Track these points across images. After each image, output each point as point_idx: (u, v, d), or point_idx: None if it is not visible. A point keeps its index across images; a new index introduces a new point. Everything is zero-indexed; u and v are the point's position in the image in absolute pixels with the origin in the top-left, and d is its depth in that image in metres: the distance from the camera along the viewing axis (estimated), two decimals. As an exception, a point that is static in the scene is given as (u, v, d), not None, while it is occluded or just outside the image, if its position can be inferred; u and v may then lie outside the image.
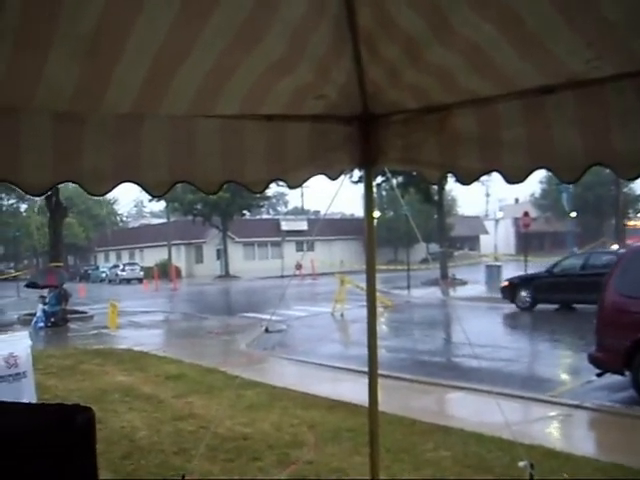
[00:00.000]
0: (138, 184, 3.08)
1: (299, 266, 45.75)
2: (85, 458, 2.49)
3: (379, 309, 23.35)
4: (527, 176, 3.05)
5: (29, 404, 5.89)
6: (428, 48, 2.67)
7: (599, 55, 2.47)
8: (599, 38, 2.36)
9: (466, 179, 3.32)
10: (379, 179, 38.66)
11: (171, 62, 2.47)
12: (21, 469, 2.31)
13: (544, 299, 23.62)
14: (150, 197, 3.17)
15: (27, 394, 9.31)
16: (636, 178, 2.80)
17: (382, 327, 20.94)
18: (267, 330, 19.61)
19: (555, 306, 23.36)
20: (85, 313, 27.85)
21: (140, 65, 2.43)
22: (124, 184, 3.09)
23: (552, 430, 8.99)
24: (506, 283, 25.59)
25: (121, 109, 2.79)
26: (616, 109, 2.69)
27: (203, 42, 2.39)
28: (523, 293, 24.10)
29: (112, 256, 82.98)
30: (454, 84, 2.90)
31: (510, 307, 24.87)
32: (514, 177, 3.11)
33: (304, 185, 3.69)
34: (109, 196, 75.25)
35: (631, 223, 59.98)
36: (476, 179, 3.27)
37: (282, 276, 51.76)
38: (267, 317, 22.57)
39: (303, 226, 71.29)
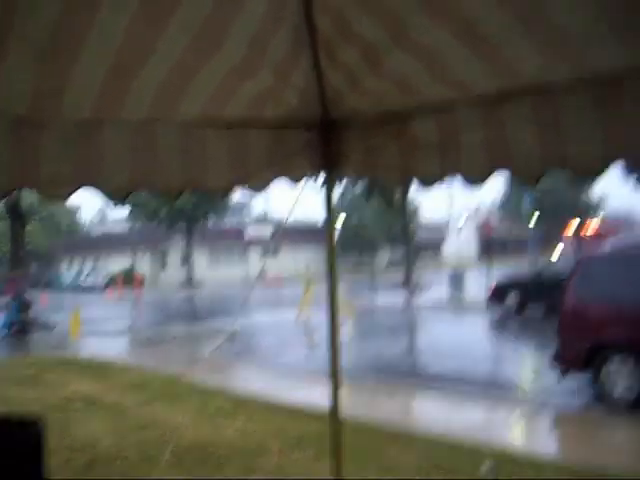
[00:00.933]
0: (98, 189, 3.05)
1: (264, 272, 45.71)
2: (34, 471, 2.44)
3: (343, 314, 23.38)
4: (486, 178, 3.08)
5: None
6: (386, 54, 2.69)
7: (553, 60, 2.51)
8: (553, 43, 2.40)
9: (427, 184, 3.34)
10: (343, 185, 38.81)
11: (129, 66, 2.46)
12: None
13: (533, 302, 23.04)
14: (111, 202, 3.12)
15: (-13, 404, 9.19)
16: (591, 180, 2.84)
17: (346, 332, 20.97)
18: (231, 337, 19.54)
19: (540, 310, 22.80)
20: (47, 321, 27.46)
21: (98, 69, 2.42)
22: (83, 193, 3.07)
23: (515, 432, 9.07)
24: (493, 286, 25.01)
25: (80, 114, 2.77)
26: (570, 113, 2.73)
27: (162, 46, 2.38)
28: (511, 296, 23.49)
29: (75, 263, 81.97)
30: (413, 90, 2.92)
31: (475, 310, 25.06)
32: (473, 180, 3.14)
33: (269, 191, 3.68)
34: (72, 203, 74.48)
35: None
36: (436, 183, 3.29)
37: (247, 282, 51.65)
38: (231, 324, 22.49)
39: (268, 232, 71.14)
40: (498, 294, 24.18)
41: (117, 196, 3.13)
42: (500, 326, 22.22)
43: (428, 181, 3.32)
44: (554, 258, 36.88)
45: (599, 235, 56.24)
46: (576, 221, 49.67)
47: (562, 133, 2.77)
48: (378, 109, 3.22)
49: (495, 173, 3.06)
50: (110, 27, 2.24)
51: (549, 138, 2.81)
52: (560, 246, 49.27)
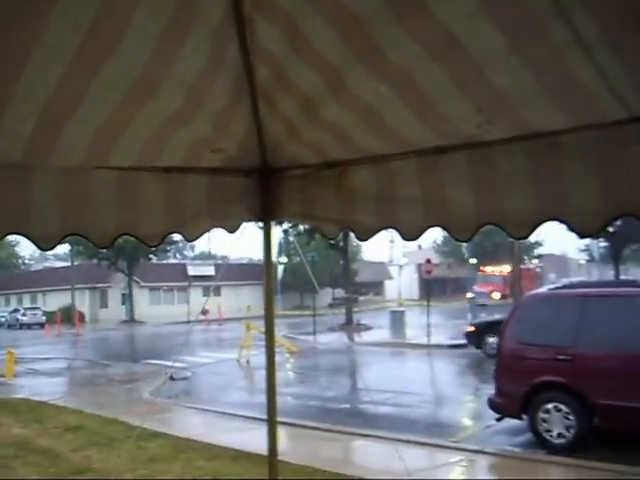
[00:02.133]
0: (25, 237, 2.98)
1: (205, 311, 45.28)
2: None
3: (285, 355, 23.28)
4: (421, 234, 3.11)
5: None
6: (324, 106, 2.70)
7: (489, 119, 2.55)
8: (489, 103, 2.44)
9: (363, 235, 3.35)
10: (286, 225, 38.90)
11: (61, 114, 2.42)
12: None
13: None
14: (39, 249, 3.04)
15: None
16: (525, 237, 2.89)
17: (288, 373, 20.87)
18: (171, 378, 19.26)
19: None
20: (-20, 361, 26.70)
21: (28, 115, 2.37)
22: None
23: (455, 476, 9.09)
24: (472, 328, 24.34)
25: (9, 159, 2.71)
26: (505, 171, 2.77)
27: (95, 95, 2.35)
28: (490, 339, 22.06)
29: (13, 300, 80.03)
30: (350, 141, 2.94)
31: (415, 351, 25.18)
32: (409, 234, 3.16)
33: (202, 236, 3.65)
34: (10, 238, 72.95)
35: (486, 269, 61.56)
36: (373, 235, 3.31)
37: (188, 321, 51.04)
38: (171, 364, 22.16)
39: (210, 271, 70.63)
40: (476, 335, 23.71)
41: (45, 243, 3.06)
42: (477, 366, 22.10)
43: (364, 232, 3.34)
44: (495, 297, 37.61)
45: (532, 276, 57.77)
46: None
47: (497, 190, 2.81)
48: (317, 159, 3.24)
49: (430, 228, 3.09)
50: (44, 73, 2.21)
51: (484, 195, 2.85)
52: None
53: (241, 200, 3.46)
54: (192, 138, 2.92)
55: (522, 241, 54.42)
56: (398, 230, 3.17)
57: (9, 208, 2.93)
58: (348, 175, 3.22)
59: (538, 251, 78.96)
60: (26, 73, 2.17)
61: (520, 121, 2.53)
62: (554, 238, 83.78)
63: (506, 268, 56.81)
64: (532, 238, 71.46)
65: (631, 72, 2.16)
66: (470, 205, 2.90)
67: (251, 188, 3.44)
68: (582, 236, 2.79)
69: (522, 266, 52.23)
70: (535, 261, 79.86)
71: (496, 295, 49.76)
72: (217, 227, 3.50)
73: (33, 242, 3.01)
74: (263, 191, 3.44)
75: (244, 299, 67.79)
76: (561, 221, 2.75)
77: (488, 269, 60.09)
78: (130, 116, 2.59)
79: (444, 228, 3.05)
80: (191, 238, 3.49)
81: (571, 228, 2.72)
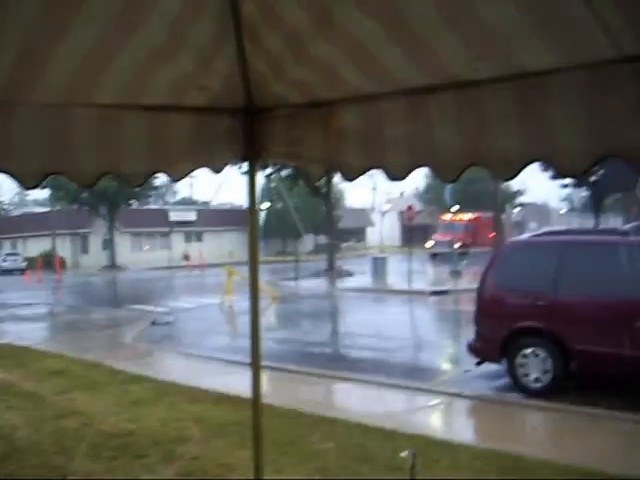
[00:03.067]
0: (8, 174, 2.94)
1: (187, 257, 45.36)
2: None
3: (267, 301, 23.39)
4: (408, 174, 3.08)
5: None
6: (312, 43, 2.65)
7: (479, 57, 2.52)
8: (479, 41, 2.40)
9: (349, 175, 3.33)
10: (269, 170, 38.73)
11: (42, 48, 2.37)
12: None
13: None
14: (23, 188, 3.03)
15: None
16: (510, 178, 2.87)
17: (269, 318, 20.99)
18: (154, 322, 19.33)
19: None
20: (-39, 306, 26.67)
21: (8, 50, 2.32)
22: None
23: (433, 419, 9.24)
24: None
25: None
26: (492, 111, 2.74)
27: (76, 28, 2.30)
28: None
29: (-8, 245, 79.69)
30: (338, 80, 2.90)
31: (396, 297, 25.38)
32: (396, 175, 3.14)
33: (192, 175, 3.62)
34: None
35: (447, 217, 59.49)
36: (359, 176, 3.28)
37: (170, 267, 51.19)
38: (154, 309, 22.25)
39: (192, 216, 70.50)
40: None
41: (28, 182, 3.02)
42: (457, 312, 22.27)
43: (350, 173, 3.31)
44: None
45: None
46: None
47: (484, 130, 2.78)
48: (303, 98, 3.18)
49: (417, 169, 3.07)
50: (22, 10, 2.16)
51: (471, 135, 2.83)
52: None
53: (226, 140, 3.42)
54: (175, 75, 2.87)
55: (504, 188, 54.31)
56: (385, 170, 3.14)
57: None
58: (335, 115, 3.18)
59: (520, 200, 79.19)
60: (3, 9, 2.12)
61: (509, 59, 2.49)
62: (536, 187, 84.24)
63: (467, 216, 56.37)
64: (514, 187, 71.51)
65: (624, 10, 2.13)
66: (457, 145, 2.88)
67: (236, 128, 3.39)
68: (567, 176, 2.79)
69: (485, 214, 51.90)
70: (516, 209, 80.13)
71: (457, 244, 49.64)
72: (202, 167, 3.46)
73: (15, 180, 2.97)
74: (248, 131, 3.39)
75: (226, 245, 67.79)
76: (547, 162, 2.74)
77: (448, 217, 58.64)
78: (111, 52, 2.55)
79: (431, 168, 3.03)
80: (176, 178, 3.45)
81: (556, 169, 2.72)
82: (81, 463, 6.78)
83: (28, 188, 3.06)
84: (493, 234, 49.97)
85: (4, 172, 2.94)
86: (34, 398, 9.96)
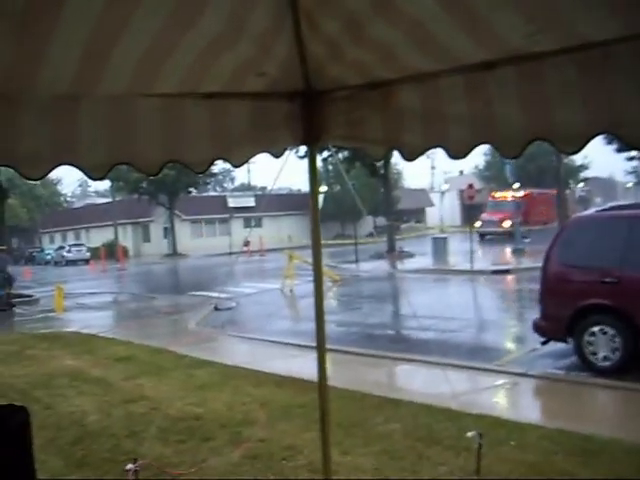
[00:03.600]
0: (76, 167, 3.00)
1: (247, 243, 45.68)
2: (20, 460, 2.41)
3: (328, 284, 23.44)
4: (469, 152, 3.05)
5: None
6: (369, 24, 2.63)
7: (539, 30, 2.47)
8: (540, 13, 2.36)
9: (410, 155, 3.31)
10: (325, 154, 38.71)
11: (106, 41, 2.40)
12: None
13: None
14: (91, 179, 3.11)
15: (-29, 382, 9.16)
16: (575, 152, 2.82)
17: (331, 301, 21.03)
18: (216, 308, 19.53)
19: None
20: (30, 297, 27.37)
21: (74, 44, 2.36)
22: (64, 166, 3.01)
23: (499, 399, 9.15)
24: None
25: (56, 90, 2.70)
26: (555, 84, 2.69)
27: (138, 21, 2.33)
28: None
29: (57, 237, 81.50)
30: (396, 60, 2.87)
31: (458, 277, 25.17)
32: (457, 153, 3.11)
33: (250, 161, 3.65)
34: (52, 176, 73.98)
35: (497, 195, 56.64)
36: (420, 155, 3.26)
37: (230, 253, 51.54)
38: (216, 295, 22.48)
39: (250, 202, 70.97)
40: None
41: (96, 173, 3.09)
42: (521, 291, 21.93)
43: (411, 152, 3.29)
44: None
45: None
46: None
47: (547, 104, 2.73)
48: (361, 80, 3.17)
49: (478, 146, 3.03)
50: (86, 3, 2.19)
51: (534, 109, 2.78)
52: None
53: (285, 125, 3.43)
54: (234, 62, 2.88)
55: (567, 163, 53.14)
56: (446, 148, 3.11)
57: (58, 139, 2.95)
58: (394, 95, 3.15)
59: (584, 174, 77.46)
60: (68, 6, 2.15)
61: (571, 30, 2.44)
62: (600, 161, 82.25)
63: (519, 193, 51.71)
64: (578, 161, 69.86)
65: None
66: (519, 120, 2.83)
67: (295, 112, 3.40)
68: (633, 149, 2.72)
69: (536, 190, 50.22)
70: (581, 184, 78.44)
71: (506, 223, 47.42)
72: (262, 152, 3.49)
73: (84, 172, 3.04)
74: (307, 115, 3.39)
75: (285, 229, 68.14)
76: (613, 133, 2.68)
77: (499, 195, 55.79)
78: (172, 43, 2.57)
79: (492, 145, 2.99)
80: (237, 164, 3.48)
81: (622, 140, 2.65)
82: (150, 446, 6.91)
83: (95, 179, 3.12)
84: (547, 211, 48.22)
85: (72, 165, 3.00)
86: (103, 384, 10.20)
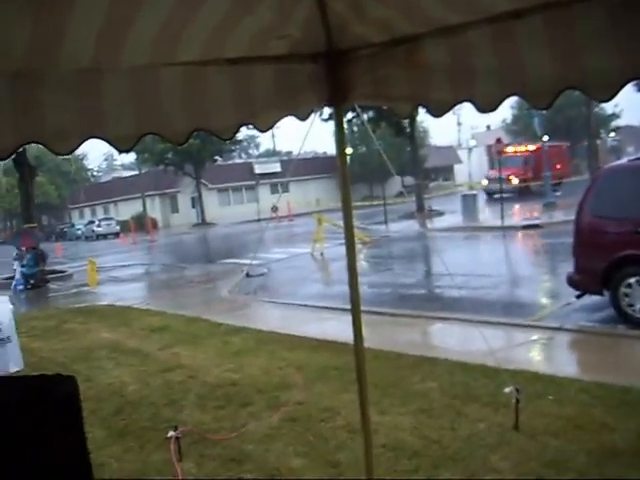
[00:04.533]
0: (104, 140, 3.00)
1: (275, 208, 45.70)
2: (72, 428, 2.44)
3: (358, 245, 23.42)
4: (499, 104, 3.00)
5: (9, 377, 5.86)
6: (391, -22, 2.58)
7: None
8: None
9: (438, 111, 3.25)
10: (349, 115, 38.51)
11: (125, 12, 2.37)
12: (5, 443, 2.26)
13: None
14: (118, 151, 3.13)
15: (13, 358, 9.34)
16: (608, 99, 2.75)
17: (362, 263, 21.03)
18: (248, 275, 19.64)
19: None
20: (64, 272, 27.72)
21: (93, 17, 2.33)
22: (88, 140, 3.01)
23: (535, 354, 9.12)
24: None
25: (79, 64, 2.68)
26: (584, 30, 2.62)
27: None
28: None
29: (87, 212, 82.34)
30: (420, 14, 2.81)
31: (489, 233, 25.04)
32: (486, 106, 3.05)
33: (274, 126, 3.61)
34: (78, 151, 74.32)
35: (507, 149, 50.87)
36: (448, 110, 3.21)
37: (259, 220, 51.78)
38: (247, 262, 22.60)
39: (276, 168, 70.94)
40: None
41: (124, 145, 3.08)
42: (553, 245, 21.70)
43: (439, 108, 3.24)
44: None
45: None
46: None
47: (577, 51, 2.66)
48: (385, 37, 3.11)
49: (507, 98, 2.97)
50: None
51: (563, 57, 2.71)
52: None
53: (310, 86, 3.39)
54: (256, 26, 2.84)
55: (597, 113, 51.56)
56: (474, 102, 3.05)
57: (84, 113, 2.94)
58: (419, 50, 3.09)
59: (615, 123, 75.98)
60: None
61: None
62: (632, 109, 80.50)
63: (527, 147, 50.48)
64: (608, 110, 68.36)
65: None
66: (549, 69, 2.76)
67: (319, 73, 3.35)
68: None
69: (547, 143, 48.06)
70: (612, 134, 76.97)
71: (515, 180, 44.49)
72: (288, 115, 3.46)
73: (112, 144, 3.03)
74: (331, 75, 3.34)
75: (312, 193, 68.10)
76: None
77: (509, 149, 51.15)
78: (192, 10, 2.53)
79: (522, 96, 2.93)
80: (263, 128, 3.46)
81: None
82: (190, 413, 7.00)
83: (123, 151, 3.12)
84: (561, 165, 45.94)
85: (100, 138, 2.99)
86: (140, 354, 10.33)
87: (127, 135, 3.09)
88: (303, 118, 3.52)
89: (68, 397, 2.43)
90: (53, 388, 2.44)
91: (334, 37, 3.15)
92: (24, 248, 24.37)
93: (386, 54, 3.21)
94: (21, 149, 3.16)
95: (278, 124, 3.56)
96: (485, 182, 48.85)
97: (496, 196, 44.22)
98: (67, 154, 3.04)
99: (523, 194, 43.14)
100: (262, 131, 3.48)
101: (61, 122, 2.89)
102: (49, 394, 2.39)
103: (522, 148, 50.88)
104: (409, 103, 3.43)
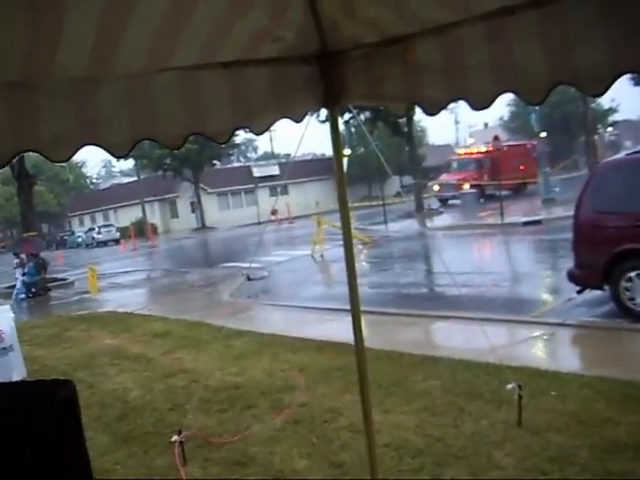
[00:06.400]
0: (100, 146, 3.01)
1: (275, 211, 45.79)
2: (70, 433, 2.45)
3: (358, 246, 23.45)
4: (492, 101, 3.01)
5: (6, 383, 5.86)
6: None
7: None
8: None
9: (432, 109, 3.27)
10: (346, 116, 38.48)
11: (118, 19, 2.38)
12: (3, 450, 2.26)
13: None
14: (115, 158, 3.15)
15: (15, 367, 9.34)
16: (600, 94, 2.76)
17: (362, 264, 21.04)
18: (249, 278, 19.65)
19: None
20: (65, 280, 27.73)
21: (87, 25, 2.34)
22: (86, 148, 3.02)
23: (537, 350, 9.12)
24: None
25: (74, 73, 2.70)
26: (576, 25, 2.63)
27: None
28: None
29: (86, 220, 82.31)
30: (412, 13, 2.83)
31: (489, 231, 25.03)
32: (480, 103, 3.06)
33: (271, 129, 3.63)
34: (76, 159, 74.48)
35: (462, 151, 50.80)
36: (442, 108, 3.22)
37: (258, 223, 51.80)
38: (247, 265, 22.60)
39: (275, 171, 70.90)
40: None
41: (119, 151, 3.09)
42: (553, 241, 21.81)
43: (433, 106, 3.25)
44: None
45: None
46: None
47: (569, 46, 2.67)
48: (378, 37, 3.12)
49: (501, 95, 2.98)
50: None
51: (555, 53, 2.72)
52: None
53: (304, 88, 3.41)
54: (249, 30, 2.85)
55: (594, 108, 51.32)
56: (468, 100, 3.07)
57: (80, 120, 2.95)
58: (412, 49, 3.11)
59: (613, 118, 75.92)
60: None
61: None
62: (629, 103, 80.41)
63: (481, 149, 47.03)
64: (606, 104, 68.31)
65: None
66: (541, 65, 2.77)
67: (313, 75, 3.37)
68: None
69: (508, 143, 45.67)
70: (610, 129, 76.89)
71: (466, 186, 40.96)
72: (283, 118, 3.46)
73: (107, 151, 3.04)
74: (325, 76, 3.36)
75: (311, 195, 68.03)
76: (637, 74, 2.61)
77: (463, 152, 49.67)
78: (185, 15, 2.54)
79: (515, 92, 2.94)
80: (259, 131, 3.46)
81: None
82: (193, 417, 7.00)
83: (119, 157, 3.13)
84: (525, 166, 43.50)
85: (96, 145, 3.00)
86: (143, 360, 10.33)
87: (123, 141, 3.09)
88: (298, 120, 3.53)
89: (66, 401, 2.43)
90: (51, 393, 2.44)
91: (327, 39, 3.17)
92: (25, 256, 24.40)
93: (379, 54, 3.23)
94: (18, 158, 3.19)
95: (274, 127, 3.57)
96: (436, 187, 46.09)
97: (450, 202, 42.54)
98: (63, 161, 3.04)
99: (519, 193, 42.91)
100: (257, 134, 3.50)
101: (57, 130, 2.90)
102: (47, 399, 2.39)
103: (476, 150, 47.97)
104: (403, 102, 3.45)
